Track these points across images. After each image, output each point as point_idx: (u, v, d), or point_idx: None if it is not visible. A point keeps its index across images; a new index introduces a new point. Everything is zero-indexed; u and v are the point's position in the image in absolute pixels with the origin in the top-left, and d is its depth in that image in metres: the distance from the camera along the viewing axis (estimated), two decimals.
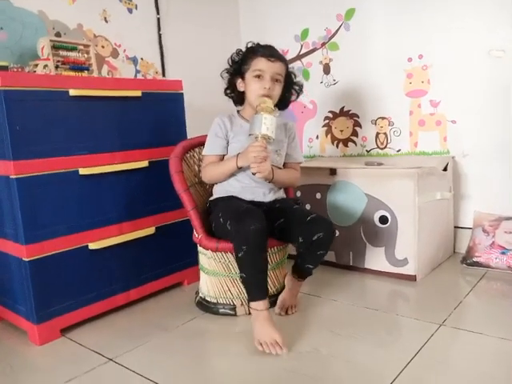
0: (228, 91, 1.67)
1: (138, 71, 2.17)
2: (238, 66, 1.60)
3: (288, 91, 1.65)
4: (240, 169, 1.53)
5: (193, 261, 1.82)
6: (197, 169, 1.74)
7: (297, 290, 1.57)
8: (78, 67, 1.66)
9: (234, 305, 1.57)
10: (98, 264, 1.58)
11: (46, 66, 1.56)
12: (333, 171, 1.96)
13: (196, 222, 1.58)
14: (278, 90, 1.57)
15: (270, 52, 1.55)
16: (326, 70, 2.41)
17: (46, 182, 1.43)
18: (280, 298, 1.56)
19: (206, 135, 1.62)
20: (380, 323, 1.46)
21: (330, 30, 2.35)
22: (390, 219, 1.82)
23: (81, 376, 1.25)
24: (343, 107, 2.38)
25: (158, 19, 2.23)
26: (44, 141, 1.42)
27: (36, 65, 1.58)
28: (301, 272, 1.53)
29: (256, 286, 1.36)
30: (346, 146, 2.40)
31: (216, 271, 1.57)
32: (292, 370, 1.21)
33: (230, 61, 1.63)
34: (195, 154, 1.75)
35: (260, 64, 1.53)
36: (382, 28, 2.18)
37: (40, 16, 1.78)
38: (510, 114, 1.90)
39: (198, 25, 2.43)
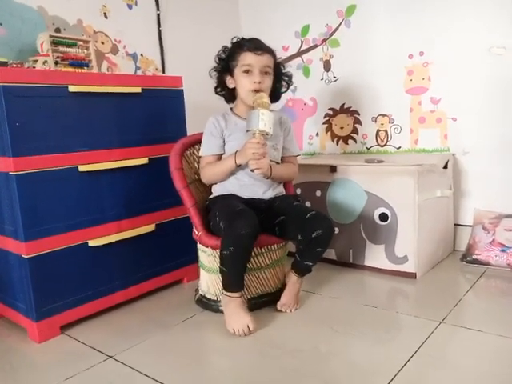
0: (218, 89, 1.66)
1: (137, 67, 2.16)
2: (225, 63, 1.59)
3: (278, 82, 1.64)
4: (239, 166, 1.52)
5: (192, 258, 1.81)
6: (197, 166, 1.74)
7: (297, 288, 1.56)
8: (78, 63, 1.65)
9: None
10: (97, 261, 1.58)
11: (45, 61, 1.56)
12: (333, 168, 1.96)
13: (196, 219, 1.58)
14: (268, 83, 1.56)
15: (256, 45, 1.54)
16: (327, 66, 2.40)
17: (46, 179, 1.42)
18: (282, 297, 1.55)
19: None
20: (380, 321, 1.46)
21: (331, 26, 2.34)
22: (390, 217, 1.82)
23: (80, 373, 1.25)
24: (343, 104, 2.37)
25: (158, 15, 2.22)
26: (43, 137, 1.41)
27: (35, 60, 1.57)
28: (300, 269, 1.53)
29: (234, 280, 1.43)
30: (347, 143, 2.40)
31: (216, 269, 1.56)
32: (292, 368, 1.21)
33: (216, 58, 1.62)
34: (195, 151, 1.74)
35: (247, 58, 1.52)
36: (382, 25, 2.18)
37: (39, 11, 1.78)
38: (511, 111, 1.90)
39: (198, 21, 2.42)
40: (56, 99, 1.44)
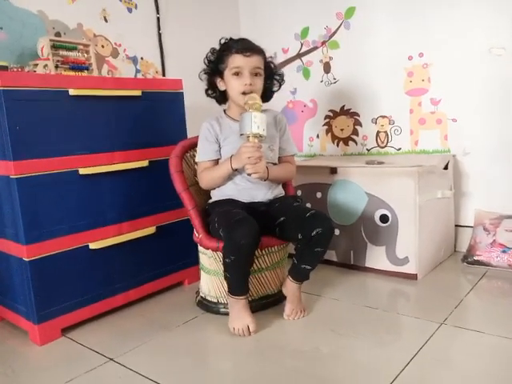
0: (209, 92, 1.64)
1: (138, 71, 2.17)
2: (214, 66, 1.57)
3: (270, 82, 1.62)
4: (236, 171, 1.52)
5: (193, 260, 1.82)
6: (197, 168, 1.74)
7: (298, 294, 1.54)
8: (78, 67, 1.66)
9: None
10: (98, 264, 1.58)
11: (45, 65, 1.56)
12: (333, 170, 1.96)
13: (196, 222, 1.58)
14: (259, 84, 1.54)
15: (244, 46, 1.51)
16: (327, 68, 2.40)
17: (46, 182, 1.43)
18: (287, 307, 1.52)
19: None
20: (381, 322, 1.46)
21: (331, 28, 2.35)
22: (390, 218, 1.82)
23: (81, 376, 1.25)
24: (343, 106, 2.38)
25: (158, 18, 2.23)
26: (44, 141, 1.42)
27: (36, 64, 1.58)
28: (297, 273, 1.50)
29: (238, 285, 1.45)
30: (347, 144, 2.40)
31: (217, 271, 1.57)
32: (293, 369, 1.21)
33: (205, 61, 1.60)
34: (195, 154, 1.74)
35: (236, 61, 1.50)
36: (382, 26, 2.18)
37: (40, 16, 1.78)
38: (510, 111, 1.90)
39: (198, 24, 2.43)
40: (56, 103, 1.44)
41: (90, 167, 1.53)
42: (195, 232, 1.61)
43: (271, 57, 1.63)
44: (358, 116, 2.33)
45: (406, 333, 1.40)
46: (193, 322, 1.55)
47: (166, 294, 1.81)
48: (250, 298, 1.52)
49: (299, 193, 2.08)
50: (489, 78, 1.93)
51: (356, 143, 2.37)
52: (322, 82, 2.43)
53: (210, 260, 1.59)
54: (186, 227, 1.72)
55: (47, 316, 1.46)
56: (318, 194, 2.02)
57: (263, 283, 1.60)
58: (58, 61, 1.60)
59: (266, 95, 1.62)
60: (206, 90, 1.65)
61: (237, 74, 1.51)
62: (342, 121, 2.39)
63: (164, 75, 2.26)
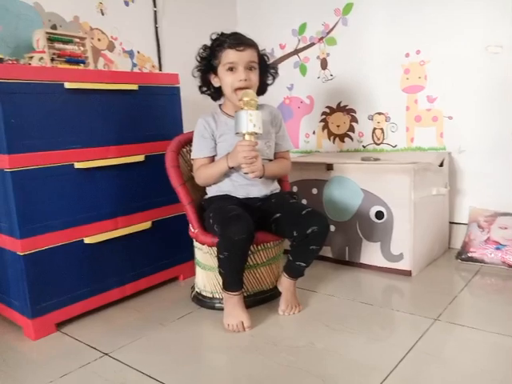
0: (203, 88, 1.62)
1: (134, 64, 2.16)
2: (207, 62, 1.54)
3: (264, 75, 1.60)
4: (232, 168, 1.51)
5: (189, 255, 1.81)
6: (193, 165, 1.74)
7: (293, 290, 1.54)
8: (74, 60, 1.64)
9: None
10: (93, 258, 1.57)
11: (41, 58, 1.55)
12: (329, 166, 1.96)
13: (192, 217, 1.58)
14: (254, 78, 1.51)
15: (237, 41, 1.47)
16: (324, 64, 2.40)
17: (41, 176, 1.42)
18: (282, 302, 1.53)
19: None
20: (375, 318, 1.47)
21: (328, 24, 2.34)
22: (385, 214, 1.83)
23: (76, 371, 1.25)
24: (340, 102, 2.38)
25: (155, 12, 2.22)
26: (39, 134, 1.41)
27: (31, 57, 1.56)
28: (292, 270, 1.51)
29: (233, 281, 1.45)
30: (343, 141, 2.40)
31: (212, 266, 1.57)
32: (287, 365, 1.21)
33: (198, 58, 1.57)
34: (191, 149, 1.74)
35: (230, 56, 1.47)
36: (379, 23, 2.18)
37: (36, 8, 1.77)
38: (507, 110, 1.90)
39: (196, 18, 2.42)
40: (52, 96, 1.43)
41: (86, 161, 1.52)
42: (191, 227, 1.61)
43: (264, 49, 1.60)
44: (355, 113, 2.33)
45: (400, 329, 1.41)
46: (188, 317, 1.55)
47: (162, 289, 1.81)
48: (245, 294, 1.52)
49: (295, 189, 2.08)
50: (485, 75, 1.94)
51: (352, 140, 2.37)
52: (318, 78, 2.43)
53: (206, 255, 1.59)
54: (181, 222, 1.72)
55: (42, 311, 1.45)
56: (314, 190, 2.02)
57: (258, 279, 1.60)
58: (53, 54, 1.59)
59: (261, 89, 1.60)
60: (200, 87, 1.62)
61: (231, 69, 1.49)
62: (339, 117, 2.39)
63: (160, 69, 2.25)
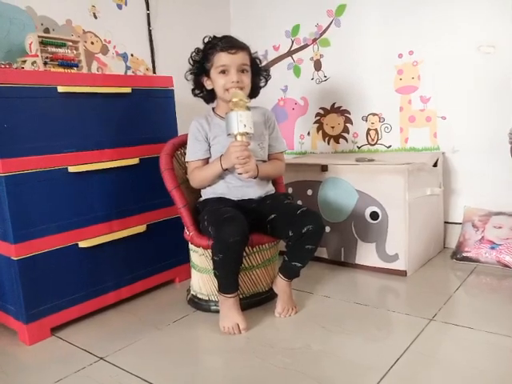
0: (196, 91, 1.63)
1: (128, 67, 2.15)
2: (200, 65, 1.56)
3: (257, 78, 1.61)
4: (226, 170, 1.51)
5: (184, 258, 1.81)
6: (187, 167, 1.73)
7: (289, 292, 1.54)
8: (67, 63, 1.63)
9: None
10: (88, 262, 1.57)
11: (34, 62, 1.54)
12: (324, 167, 1.96)
13: (187, 220, 1.58)
14: (247, 81, 1.53)
15: (229, 44, 1.50)
16: (317, 66, 2.41)
17: (35, 180, 1.41)
18: (278, 304, 1.53)
19: None
20: (371, 319, 1.47)
21: (321, 26, 2.35)
22: (380, 215, 1.83)
23: (71, 375, 1.25)
24: (334, 103, 2.38)
25: (148, 15, 2.22)
26: (32, 138, 1.40)
27: (24, 61, 1.55)
28: (287, 270, 1.51)
29: (228, 283, 1.45)
30: (338, 142, 2.41)
31: (207, 268, 1.57)
32: (284, 367, 1.21)
33: (190, 61, 1.59)
34: (186, 152, 1.73)
35: (222, 59, 1.50)
36: (372, 24, 2.19)
37: (28, 12, 1.76)
38: (500, 109, 1.91)
39: (189, 20, 2.42)
40: (45, 100, 1.43)
41: (80, 165, 1.52)
42: (186, 230, 1.61)
43: (256, 52, 1.62)
44: (349, 114, 2.34)
45: (395, 329, 1.41)
46: (184, 321, 1.55)
47: (158, 292, 1.81)
48: (240, 296, 1.52)
49: (290, 190, 2.08)
50: (478, 75, 1.95)
51: (347, 141, 2.37)
52: (312, 79, 2.44)
53: (201, 258, 1.59)
54: (176, 225, 1.71)
55: (36, 315, 1.45)
56: (309, 192, 2.03)
57: (254, 281, 1.60)
58: (46, 57, 1.58)
59: (254, 91, 1.61)
60: (193, 90, 1.64)
61: (223, 72, 1.51)
62: (333, 118, 2.40)
63: (154, 72, 2.25)
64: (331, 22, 2.31)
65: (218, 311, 1.50)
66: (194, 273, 1.67)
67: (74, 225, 1.52)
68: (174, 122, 1.84)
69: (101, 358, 1.33)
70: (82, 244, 1.53)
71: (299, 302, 1.60)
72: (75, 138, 1.51)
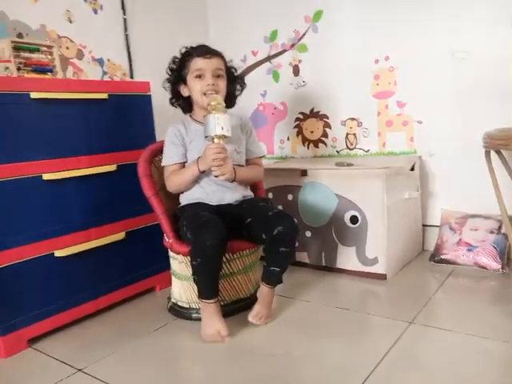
0: (173, 100, 1.66)
1: (104, 73, 2.12)
2: (177, 73, 1.60)
3: (232, 86, 1.64)
4: (203, 173, 1.51)
5: (164, 266, 1.79)
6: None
7: (269, 299, 1.51)
8: (41, 69, 1.60)
9: None
10: (65, 272, 1.53)
11: (7, 68, 1.51)
12: (304, 172, 1.97)
13: (166, 227, 1.56)
14: (222, 85, 1.57)
15: (204, 50, 1.56)
16: (296, 71, 2.42)
17: (8, 188, 1.38)
18: (254, 308, 1.50)
19: None
20: (351, 323, 1.48)
21: (299, 31, 2.37)
22: (360, 219, 1.84)
23: None
24: (313, 108, 2.40)
25: (125, 20, 2.20)
26: (5, 145, 1.37)
27: None
28: (268, 276, 1.49)
29: (207, 288, 1.42)
30: (317, 146, 2.42)
31: (188, 276, 1.55)
32: (265, 373, 1.21)
33: (168, 70, 1.63)
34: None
35: (198, 63, 1.54)
36: (349, 30, 2.21)
37: (0, 16, 1.72)
38: (475, 113, 1.95)
39: (167, 26, 2.40)
40: (18, 106, 1.40)
41: (55, 172, 1.49)
42: (165, 237, 1.59)
43: (231, 60, 1.66)
44: (328, 118, 2.36)
45: (376, 333, 1.42)
46: (164, 329, 1.53)
47: (137, 301, 1.78)
48: (222, 303, 1.51)
49: (270, 195, 2.08)
50: (453, 80, 1.98)
51: (326, 145, 2.39)
52: (291, 84, 2.45)
53: (181, 265, 1.57)
54: (156, 232, 1.69)
55: (12, 327, 1.41)
56: (289, 196, 2.03)
57: (235, 287, 1.59)
58: (20, 63, 1.54)
59: (230, 100, 1.63)
60: (171, 99, 1.66)
61: (199, 76, 1.54)
62: (312, 123, 2.41)
63: (132, 77, 2.22)
64: (308, 28, 2.33)
65: (199, 319, 1.48)
66: (174, 280, 1.65)
67: (50, 233, 1.49)
68: (152, 128, 1.82)
69: (79, 370, 1.30)
70: (59, 253, 1.50)
71: (280, 308, 1.60)
72: (50, 145, 1.48)
